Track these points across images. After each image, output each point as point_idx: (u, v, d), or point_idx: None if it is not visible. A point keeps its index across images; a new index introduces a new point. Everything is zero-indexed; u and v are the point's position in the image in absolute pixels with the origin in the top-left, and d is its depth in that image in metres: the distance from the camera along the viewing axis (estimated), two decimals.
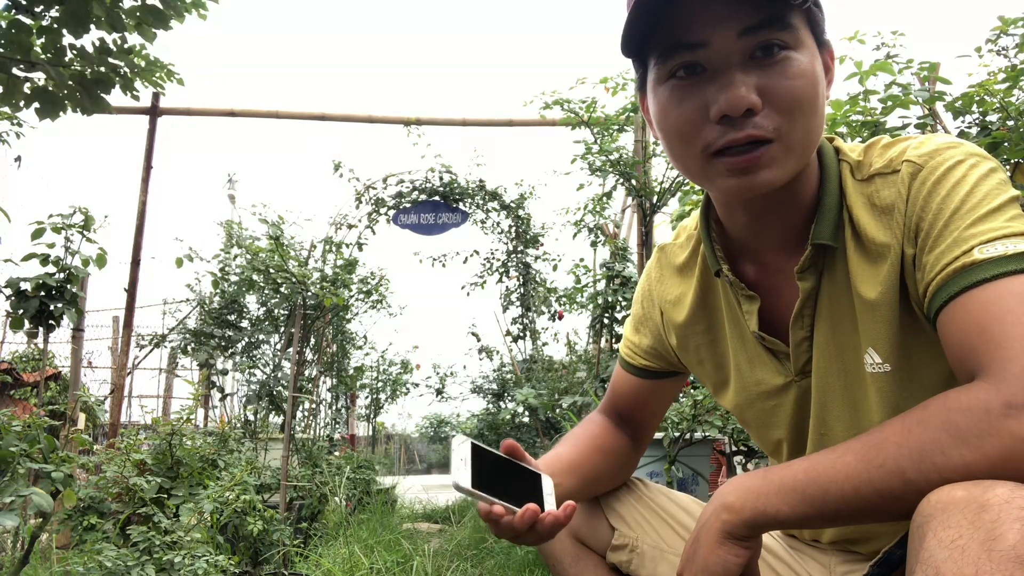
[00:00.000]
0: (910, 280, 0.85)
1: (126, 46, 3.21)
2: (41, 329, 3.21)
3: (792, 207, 0.92)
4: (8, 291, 3.12)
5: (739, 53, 0.81)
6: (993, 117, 2.29)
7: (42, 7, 2.87)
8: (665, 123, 0.87)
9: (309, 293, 4.36)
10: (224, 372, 5.52)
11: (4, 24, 2.89)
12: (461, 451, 0.85)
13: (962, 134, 2.35)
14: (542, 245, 5.92)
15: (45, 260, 3.16)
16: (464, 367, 7.72)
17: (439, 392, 7.97)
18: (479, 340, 6.58)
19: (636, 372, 1.20)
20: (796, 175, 0.87)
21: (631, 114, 4.42)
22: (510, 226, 5.93)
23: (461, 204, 5.85)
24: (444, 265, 6.10)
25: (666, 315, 1.14)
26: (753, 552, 0.79)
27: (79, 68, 3.13)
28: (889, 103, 2.37)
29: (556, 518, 0.88)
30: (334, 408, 6.03)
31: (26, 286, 3.10)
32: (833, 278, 0.92)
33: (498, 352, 6.58)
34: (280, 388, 4.95)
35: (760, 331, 0.98)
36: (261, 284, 4.81)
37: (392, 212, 5.78)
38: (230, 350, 5.44)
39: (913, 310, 0.86)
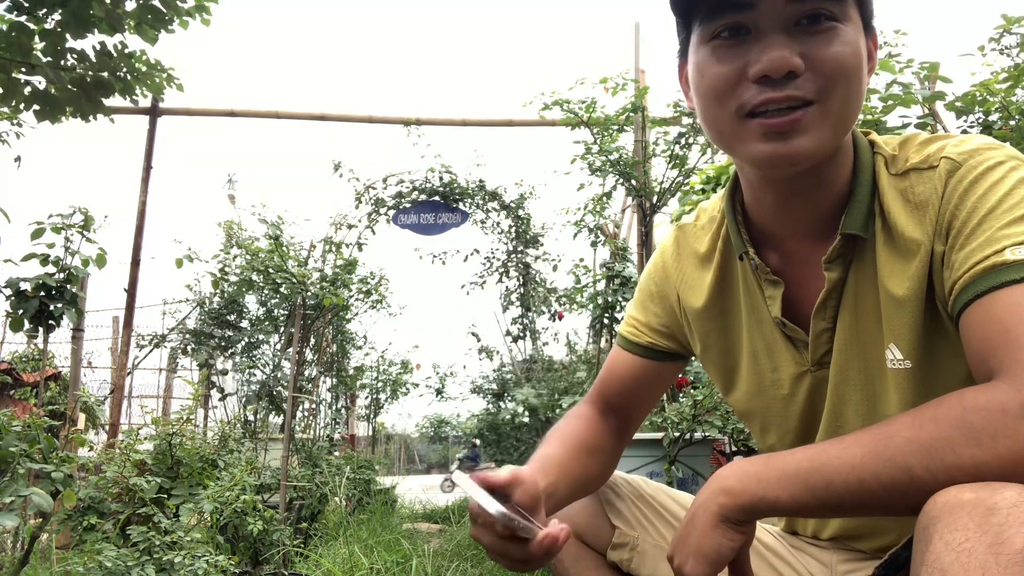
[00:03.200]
0: (937, 278, 0.84)
1: (127, 51, 3.21)
2: (41, 329, 3.21)
3: (821, 193, 0.90)
4: (8, 291, 3.11)
5: (786, 19, 0.80)
6: (995, 116, 2.29)
7: (44, 10, 2.87)
8: (702, 83, 0.86)
9: (309, 293, 4.36)
10: (224, 372, 5.52)
11: (5, 27, 2.88)
12: (473, 486, 0.82)
13: (963, 134, 2.35)
14: (542, 245, 5.92)
15: (45, 260, 3.16)
16: (464, 367, 7.70)
17: (439, 392, 7.96)
18: (479, 340, 6.57)
19: (639, 351, 1.15)
20: (829, 157, 0.86)
21: (631, 114, 4.41)
22: (510, 226, 5.93)
23: (461, 204, 5.85)
24: (444, 263, 6.10)
25: (682, 295, 1.11)
26: (747, 537, 0.78)
27: (80, 72, 3.13)
28: (890, 102, 2.37)
29: (567, 532, 0.82)
30: (334, 408, 6.02)
31: (26, 286, 3.10)
32: (861, 270, 0.90)
33: (498, 352, 6.58)
34: (280, 388, 4.95)
35: (782, 318, 0.96)
36: (261, 284, 4.81)
37: (392, 212, 5.78)
38: (230, 350, 5.44)
39: (937, 308, 0.85)
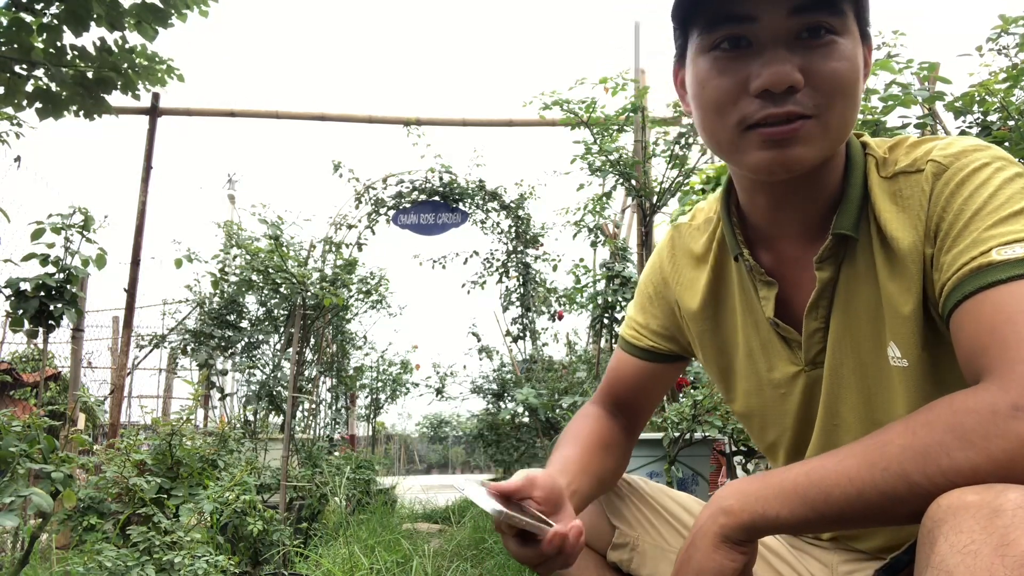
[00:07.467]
0: (928, 280, 0.84)
1: (127, 46, 3.21)
2: (41, 329, 3.20)
3: (814, 196, 0.91)
4: (8, 291, 3.11)
5: (787, 32, 0.81)
6: (994, 117, 2.29)
7: (42, 4, 2.87)
8: (702, 94, 0.87)
9: (309, 293, 4.36)
10: (224, 372, 5.52)
11: (5, 22, 2.88)
12: (476, 491, 0.85)
13: (962, 134, 2.35)
14: (542, 245, 5.92)
15: (45, 260, 3.15)
16: (464, 367, 7.70)
17: (439, 392, 7.96)
18: (479, 340, 6.58)
19: (640, 354, 1.17)
20: (824, 161, 0.87)
21: (631, 114, 4.41)
22: (510, 226, 5.93)
23: (461, 204, 5.85)
24: (444, 267, 6.10)
25: (678, 296, 1.12)
26: (749, 558, 0.78)
27: (80, 67, 3.12)
28: (890, 102, 2.37)
29: (578, 529, 0.87)
30: (334, 408, 6.02)
31: (26, 286, 3.09)
32: (854, 271, 0.91)
33: (498, 352, 6.58)
34: (280, 388, 4.95)
35: (775, 318, 0.97)
36: (260, 284, 4.81)
37: (392, 212, 5.78)
38: (230, 350, 5.43)
39: (931, 310, 0.85)
